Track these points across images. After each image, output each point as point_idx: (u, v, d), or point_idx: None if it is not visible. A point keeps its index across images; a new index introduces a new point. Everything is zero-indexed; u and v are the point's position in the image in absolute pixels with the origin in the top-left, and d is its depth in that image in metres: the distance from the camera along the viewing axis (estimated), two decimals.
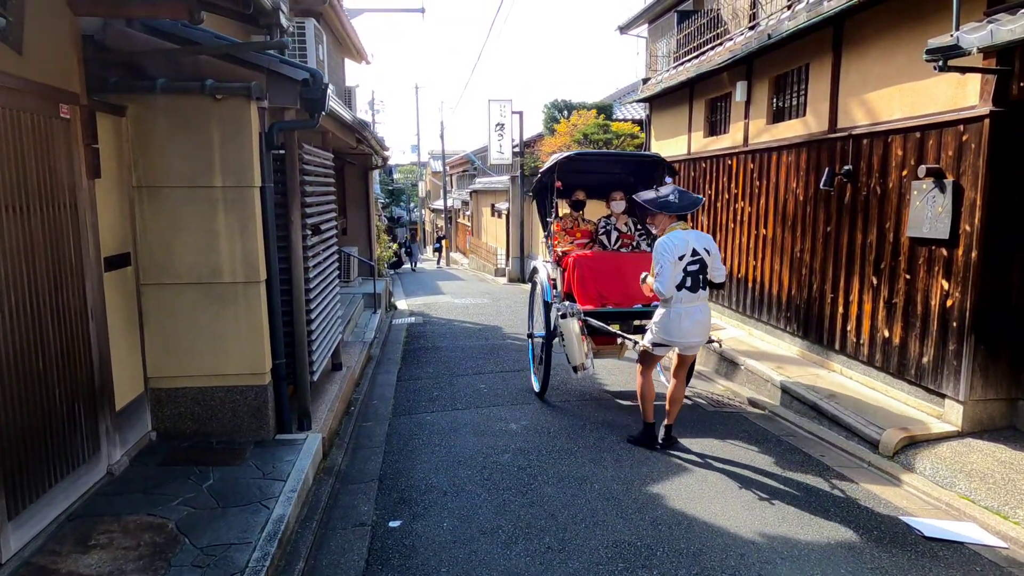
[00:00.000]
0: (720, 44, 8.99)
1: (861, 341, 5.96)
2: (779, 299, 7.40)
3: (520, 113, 21.13)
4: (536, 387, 6.43)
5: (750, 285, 8.02)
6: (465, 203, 33.32)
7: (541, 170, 5.88)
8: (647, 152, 7.82)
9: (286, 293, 4.90)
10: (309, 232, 5.20)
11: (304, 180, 5.01)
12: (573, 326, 4.95)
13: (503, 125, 21.34)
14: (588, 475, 4.60)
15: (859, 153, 5.97)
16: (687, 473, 4.63)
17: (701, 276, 4.57)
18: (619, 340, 5.54)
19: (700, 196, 4.67)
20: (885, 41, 5.69)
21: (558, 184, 5.78)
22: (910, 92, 5.38)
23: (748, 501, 4.19)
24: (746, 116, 8.15)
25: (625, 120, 18.59)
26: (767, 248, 7.61)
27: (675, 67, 10.59)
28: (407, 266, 27.86)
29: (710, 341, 4.88)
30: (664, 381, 6.18)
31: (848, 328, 6.15)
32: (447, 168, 37.84)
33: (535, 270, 6.49)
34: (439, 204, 39.47)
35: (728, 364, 7.10)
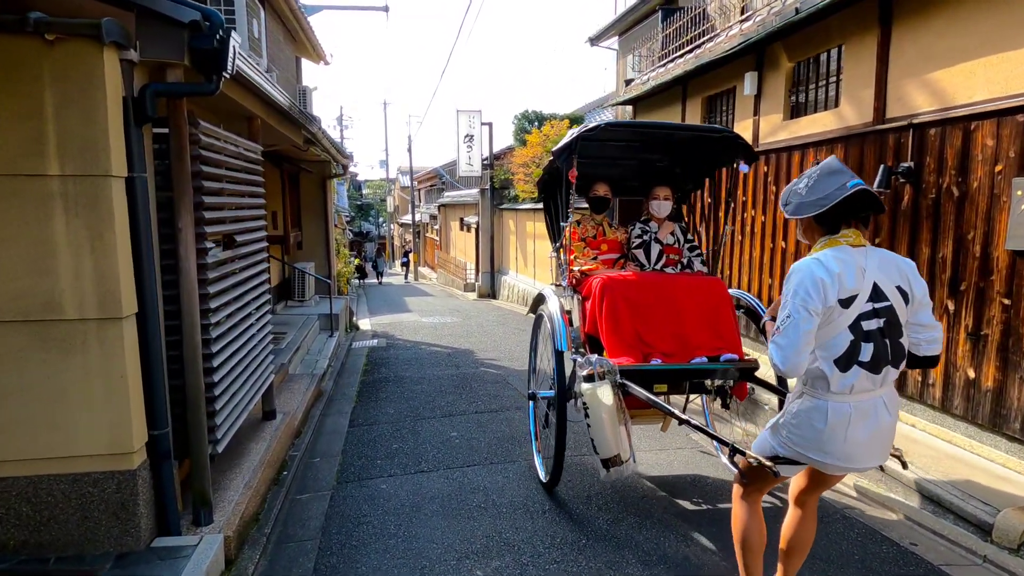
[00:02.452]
0: (723, 32, 7.63)
1: (930, 381, 4.56)
2: None
3: (490, 124, 19.72)
4: (541, 474, 4.26)
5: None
6: (433, 217, 31.70)
7: (553, 149, 3.73)
8: (713, 126, 4.95)
9: (174, 332, 3.28)
10: (212, 244, 3.59)
11: (203, 172, 3.40)
12: (605, 398, 2.89)
13: (472, 137, 19.88)
14: None
15: (923, 146, 4.60)
16: None
17: (892, 341, 2.14)
18: (674, 414, 3.03)
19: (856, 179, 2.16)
20: (959, 5, 4.35)
21: (573, 174, 3.56)
22: (1003, 66, 4.03)
23: None
24: (756, 112, 6.79)
25: None
26: (787, 263, 6.22)
27: (663, 65, 9.23)
28: (372, 280, 26.23)
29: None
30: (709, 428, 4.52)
31: None
32: (415, 183, 36.22)
33: (541, 299, 4.28)
34: (408, 218, 37.77)
35: (746, 401, 5.65)
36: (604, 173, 4.28)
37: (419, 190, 37.13)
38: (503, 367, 8.35)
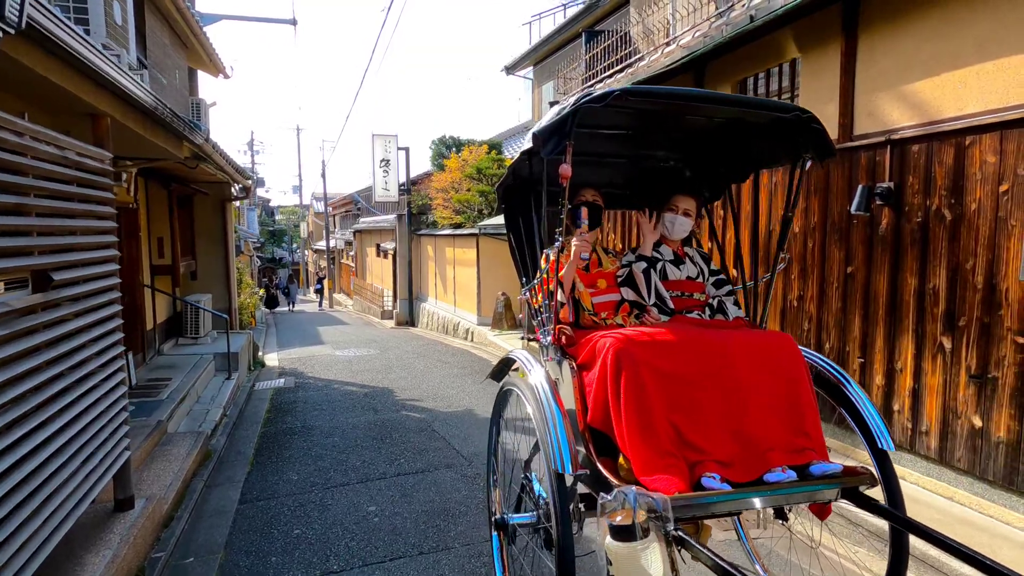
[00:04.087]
0: (658, 50, 6.96)
1: (923, 428, 3.86)
2: None
3: (406, 149, 18.53)
4: None
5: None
6: (349, 243, 29.94)
7: (536, 131, 2.18)
8: (780, 101, 2.91)
9: None
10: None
11: None
12: (655, 568, 1.47)
13: (388, 161, 18.63)
14: None
15: (905, 165, 3.95)
16: None
17: None
18: None
19: None
20: (945, 11, 3.74)
21: (566, 171, 2.11)
22: (1002, 74, 3.42)
23: None
24: None
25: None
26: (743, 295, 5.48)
27: (591, 85, 8.50)
28: (284, 308, 24.24)
29: None
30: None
31: (895, 407, 4.04)
32: (330, 209, 34.29)
33: (508, 364, 2.83)
34: (322, 245, 35.65)
35: None
36: (590, 177, 2.87)
37: (334, 216, 35.21)
38: (427, 409, 7.19)
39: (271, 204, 52.24)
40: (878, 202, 4.07)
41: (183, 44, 8.73)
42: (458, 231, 14.30)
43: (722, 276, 2.79)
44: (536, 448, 2.46)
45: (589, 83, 8.66)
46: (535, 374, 2.32)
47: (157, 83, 7.16)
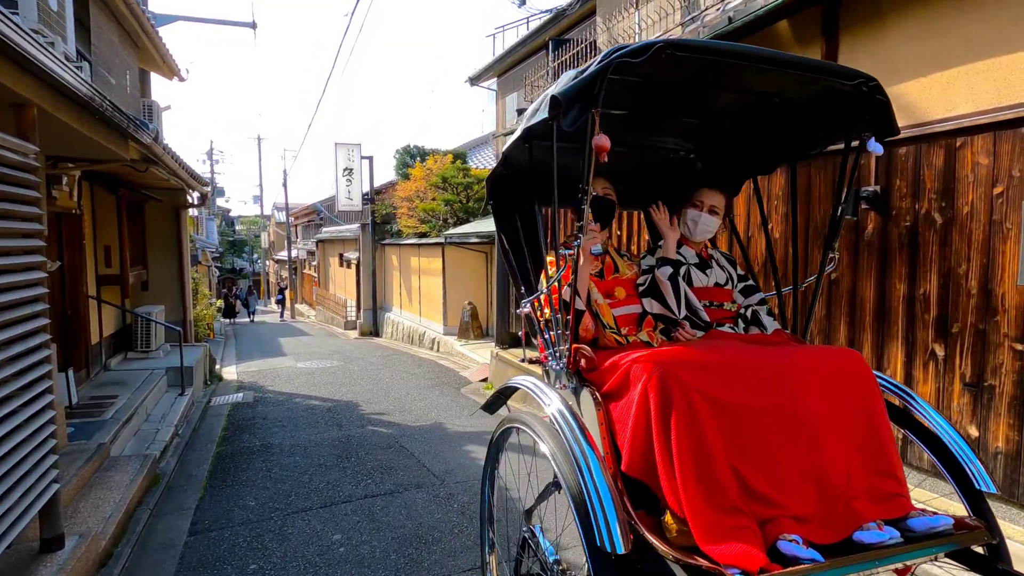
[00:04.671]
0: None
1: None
2: None
3: (370, 158, 18.05)
4: None
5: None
6: (311, 253, 29.11)
7: (556, 92, 1.66)
8: (845, 67, 1.95)
9: None
10: None
11: None
12: None
13: (352, 170, 18.10)
14: None
15: (892, 168, 3.79)
16: None
17: None
18: None
19: None
20: (933, 8, 3.60)
21: (603, 142, 1.58)
22: (996, 72, 3.28)
23: None
24: None
25: (481, 168, 16.32)
26: None
27: None
28: (244, 319, 23.32)
29: None
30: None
31: None
32: (292, 218, 33.35)
33: (507, 392, 2.33)
34: (284, 255, 34.62)
35: None
36: (613, 160, 2.18)
37: (296, 226, 34.28)
38: (394, 423, 6.77)
39: (231, 214, 50.59)
40: (864, 206, 3.90)
41: (134, 43, 8.15)
42: (423, 240, 13.91)
43: (751, 282, 2.38)
44: (544, 495, 2.04)
45: None
46: (553, 406, 1.76)
47: (104, 81, 6.61)
